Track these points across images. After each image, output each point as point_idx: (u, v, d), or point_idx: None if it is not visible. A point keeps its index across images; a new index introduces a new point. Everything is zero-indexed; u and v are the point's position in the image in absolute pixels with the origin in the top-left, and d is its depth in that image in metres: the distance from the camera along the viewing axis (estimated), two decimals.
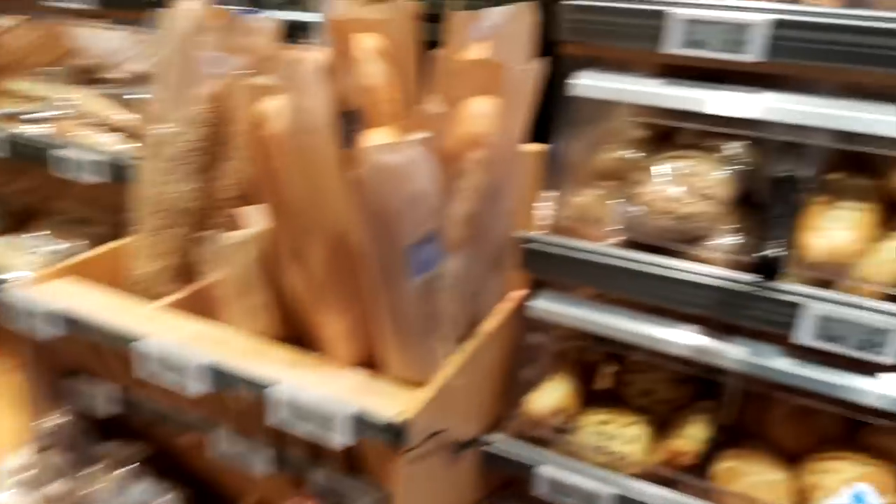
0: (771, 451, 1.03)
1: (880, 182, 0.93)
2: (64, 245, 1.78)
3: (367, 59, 0.99)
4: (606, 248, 1.02)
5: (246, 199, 1.33)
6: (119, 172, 1.57)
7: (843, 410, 0.94)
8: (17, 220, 1.92)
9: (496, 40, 0.99)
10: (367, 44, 1.00)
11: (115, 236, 1.76)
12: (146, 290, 1.31)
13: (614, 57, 1.07)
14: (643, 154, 1.08)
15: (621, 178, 1.10)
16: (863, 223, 0.89)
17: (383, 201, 0.81)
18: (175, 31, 1.30)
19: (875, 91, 0.89)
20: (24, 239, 1.81)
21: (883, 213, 0.92)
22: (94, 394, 1.27)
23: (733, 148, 1.00)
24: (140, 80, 1.72)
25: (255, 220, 1.23)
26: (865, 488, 0.89)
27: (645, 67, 1.06)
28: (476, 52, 1.00)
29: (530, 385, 1.14)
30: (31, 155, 1.64)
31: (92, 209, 1.83)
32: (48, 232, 1.82)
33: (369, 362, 1.01)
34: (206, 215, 1.30)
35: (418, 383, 0.95)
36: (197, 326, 1.11)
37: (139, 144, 1.67)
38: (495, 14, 0.99)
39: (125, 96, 1.70)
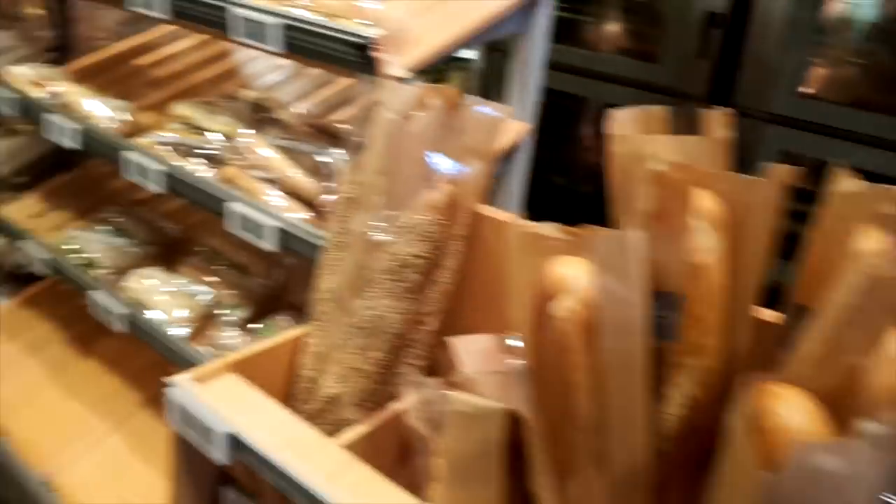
0: None
1: None
2: (205, 290, 1.62)
3: (700, 228, 0.75)
4: None
5: (448, 327, 1.12)
6: (288, 242, 1.39)
7: None
8: (168, 249, 1.77)
9: None
10: (703, 206, 0.76)
11: (269, 298, 1.59)
12: (323, 413, 1.13)
13: None
14: None
15: None
16: None
17: None
18: (393, 108, 1.09)
19: None
20: (169, 276, 1.65)
21: None
22: None
23: None
24: (316, 134, 1.53)
25: (471, 359, 1.02)
26: None
27: None
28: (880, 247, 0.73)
29: None
30: (191, 198, 1.47)
31: (250, 256, 1.65)
32: (198, 271, 1.66)
33: None
34: (405, 341, 1.10)
35: None
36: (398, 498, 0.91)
37: (308, 213, 1.48)
38: None
39: (295, 149, 1.49)
